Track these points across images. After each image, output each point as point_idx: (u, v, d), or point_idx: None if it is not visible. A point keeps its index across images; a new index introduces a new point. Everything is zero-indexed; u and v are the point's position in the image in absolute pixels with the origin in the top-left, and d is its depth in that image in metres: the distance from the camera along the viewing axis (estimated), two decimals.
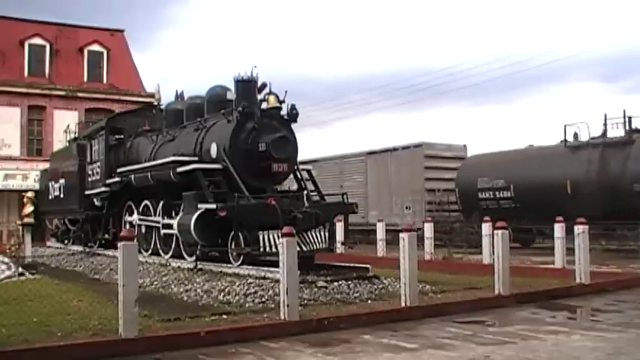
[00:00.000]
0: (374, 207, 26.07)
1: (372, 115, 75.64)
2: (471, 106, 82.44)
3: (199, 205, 11.34)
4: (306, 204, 11.74)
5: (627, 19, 65.61)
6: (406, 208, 24.98)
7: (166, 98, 24.81)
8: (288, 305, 7.69)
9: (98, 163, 16.95)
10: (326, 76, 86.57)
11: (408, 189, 24.93)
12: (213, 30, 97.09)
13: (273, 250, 10.38)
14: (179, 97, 15.52)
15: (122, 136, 16.65)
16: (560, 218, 14.34)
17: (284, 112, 12.33)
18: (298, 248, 8.74)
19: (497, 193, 22.10)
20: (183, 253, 12.77)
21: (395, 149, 26.15)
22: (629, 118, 19.30)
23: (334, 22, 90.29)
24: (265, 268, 10.38)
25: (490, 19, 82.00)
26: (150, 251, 14.21)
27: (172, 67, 79.93)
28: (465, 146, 26.04)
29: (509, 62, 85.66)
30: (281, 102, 12.15)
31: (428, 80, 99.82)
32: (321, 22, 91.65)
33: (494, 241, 10.52)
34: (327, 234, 11.68)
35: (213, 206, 10.95)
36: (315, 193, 13.01)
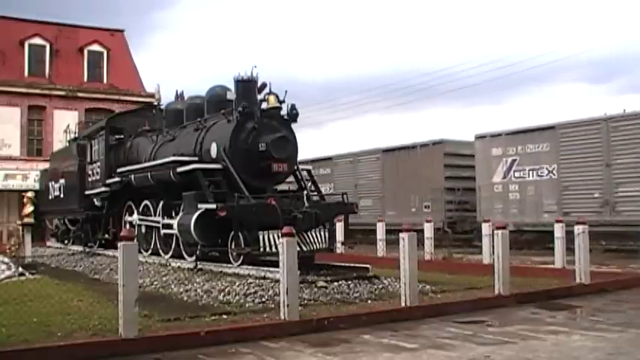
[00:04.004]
0: None
1: (368, 115, 75.98)
2: (465, 106, 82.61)
3: (199, 205, 11.33)
4: (306, 204, 11.73)
5: (617, 22, 65.72)
6: None
7: (166, 98, 24.81)
8: (288, 305, 7.69)
9: (98, 163, 16.95)
10: (321, 77, 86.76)
11: None
12: (203, 33, 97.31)
13: (273, 250, 10.39)
14: (179, 97, 15.52)
15: (122, 136, 16.65)
16: (559, 218, 14.34)
17: (284, 112, 12.33)
18: (298, 248, 8.74)
19: None
20: (183, 253, 12.77)
21: None
22: None
23: (330, 24, 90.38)
24: (265, 268, 10.38)
25: (484, 21, 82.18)
26: (150, 251, 14.21)
27: (164, 70, 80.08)
28: None
29: (503, 64, 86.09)
30: (281, 102, 12.16)
31: (424, 81, 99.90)
32: (317, 24, 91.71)
33: (494, 241, 10.53)
34: (327, 234, 11.68)
35: (213, 206, 10.95)
36: (315, 193, 13.00)
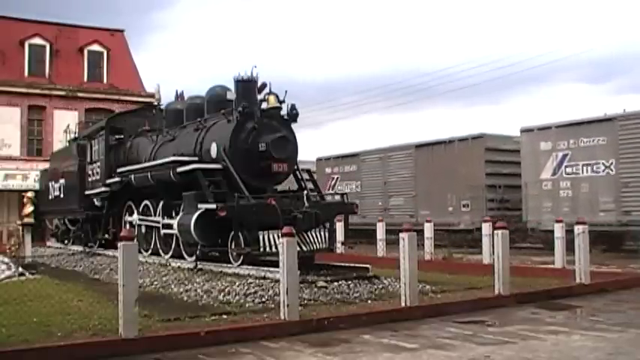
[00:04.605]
0: None
1: (368, 115, 76.16)
2: (465, 106, 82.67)
3: (199, 205, 11.34)
4: (306, 204, 11.73)
5: (617, 22, 65.77)
6: None
7: (166, 98, 24.78)
8: (288, 305, 7.69)
9: (98, 163, 16.96)
10: (320, 77, 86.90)
11: None
12: (203, 33, 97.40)
13: (273, 250, 10.39)
14: (179, 97, 15.52)
15: (122, 136, 16.66)
16: (560, 218, 14.33)
17: (284, 112, 12.34)
18: (298, 248, 8.74)
19: None
20: (183, 253, 12.77)
21: None
22: None
23: (329, 24, 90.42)
24: (265, 268, 10.38)
25: (484, 21, 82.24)
26: (150, 251, 14.21)
27: (164, 70, 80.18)
28: None
29: (503, 64, 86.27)
30: (281, 102, 12.16)
31: (424, 82, 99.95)
32: (317, 24, 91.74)
33: (494, 241, 10.53)
34: (327, 234, 11.68)
35: (213, 206, 10.95)
36: (315, 193, 13.00)
